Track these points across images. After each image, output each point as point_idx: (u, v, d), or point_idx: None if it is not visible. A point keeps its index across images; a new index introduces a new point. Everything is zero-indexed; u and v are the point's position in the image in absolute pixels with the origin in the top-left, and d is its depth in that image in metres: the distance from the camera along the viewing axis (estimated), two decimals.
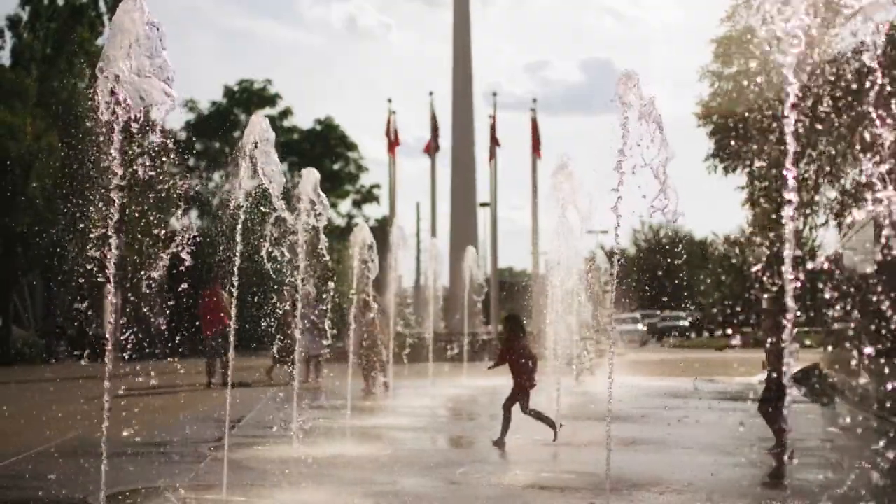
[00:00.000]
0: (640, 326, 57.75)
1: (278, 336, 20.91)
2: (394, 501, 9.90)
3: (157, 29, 7.34)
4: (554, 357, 18.92)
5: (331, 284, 16.07)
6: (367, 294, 21.55)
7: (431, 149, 49.37)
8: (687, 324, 64.88)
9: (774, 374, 13.00)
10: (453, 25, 48.25)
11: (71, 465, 11.21)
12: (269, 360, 24.50)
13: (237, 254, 10.39)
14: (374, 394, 21.78)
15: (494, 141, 48.65)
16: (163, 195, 7.57)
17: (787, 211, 4.55)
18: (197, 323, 23.47)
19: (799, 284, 4.72)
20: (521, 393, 13.82)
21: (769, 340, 13.44)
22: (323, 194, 14.02)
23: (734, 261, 69.89)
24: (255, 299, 14.60)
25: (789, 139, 4.35)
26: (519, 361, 13.83)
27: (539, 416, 13.87)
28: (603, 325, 30.72)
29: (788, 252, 4.60)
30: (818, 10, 4.43)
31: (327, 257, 14.20)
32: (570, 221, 14.80)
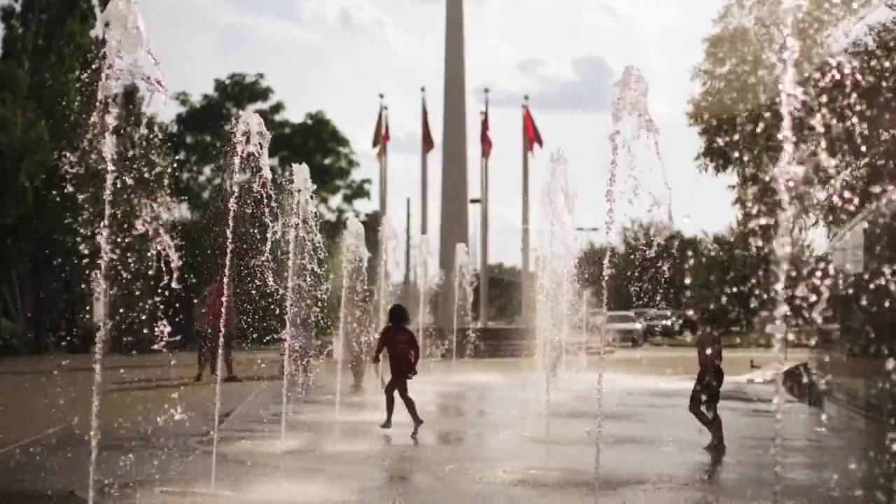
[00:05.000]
0: (636, 325, 55.84)
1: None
2: (382, 497, 9.92)
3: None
4: (542, 353, 18.95)
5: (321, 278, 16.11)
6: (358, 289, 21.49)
7: (423, 145, 49.37)
8: (670, 323, 64.33)
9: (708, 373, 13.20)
10: (446, 21, 48.25)
11: (59, 457, 11.19)
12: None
13: (230, 250, 10.38)
14: (362, 388, 21.77)
15: (486, 138, 48.68)
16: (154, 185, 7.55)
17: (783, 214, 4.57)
18: (192, 315, 23.48)
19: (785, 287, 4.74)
20: (399, 378, 14.82)
21: (702, 339, 13.62)
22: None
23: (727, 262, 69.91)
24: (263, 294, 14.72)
25: (786, 141, 4.37)
26: (397, 350, 14.83)
27: (410, 406, 14.81)
28: (595, 324, 30.68)
29: (782, 249, 4.62)
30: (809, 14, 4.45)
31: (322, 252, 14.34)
32: (561, 219, 14.78)
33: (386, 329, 15.42)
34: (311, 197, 14.44)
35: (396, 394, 14.87)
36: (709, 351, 13.31)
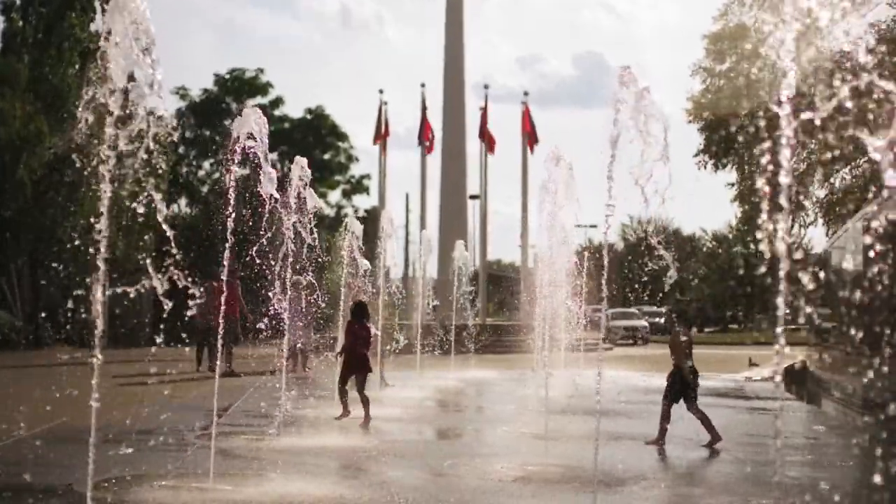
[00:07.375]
0: (642, 322, 54.30)
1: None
2: (381, 493, 9.91)
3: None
4: (541, 349, 18.96)
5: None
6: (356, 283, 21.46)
7: (422, 142, 49.27)
8: (663, 320, 63.46)
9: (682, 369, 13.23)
10: (446, 17, 48.25)
11: (58, 451, 11.19)
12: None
13: (231, 244, 10.38)
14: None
15: (485, 133, 48.61)
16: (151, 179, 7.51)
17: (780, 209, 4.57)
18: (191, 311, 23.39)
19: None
20: (362, 373, 15.15)
21: (676, 336, 13.64)
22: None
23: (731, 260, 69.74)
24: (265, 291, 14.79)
25: (784, 139, 4.37)
26: (355, 347, 15.20)
27: (363, 400, 14.98)
28: (595, 319, 30.58)
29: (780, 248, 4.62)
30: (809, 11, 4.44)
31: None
32: (560, 215, 14.80)
33: (350, 325, 15.57)
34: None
35: (359, 385, 15.16)
36: (676, 347, 13.41)
